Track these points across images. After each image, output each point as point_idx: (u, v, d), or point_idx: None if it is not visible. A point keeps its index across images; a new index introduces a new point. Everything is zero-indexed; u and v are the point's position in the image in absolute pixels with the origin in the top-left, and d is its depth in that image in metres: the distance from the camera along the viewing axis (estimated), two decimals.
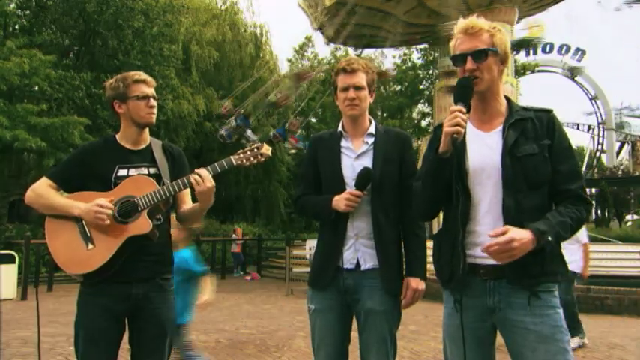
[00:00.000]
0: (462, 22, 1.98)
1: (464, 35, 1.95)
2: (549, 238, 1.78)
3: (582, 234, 6.19)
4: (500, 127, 1.97)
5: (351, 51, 27.31)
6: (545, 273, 1.89)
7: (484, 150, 1.95)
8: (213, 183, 2.34)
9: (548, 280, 1.91)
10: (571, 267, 5.69)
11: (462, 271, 1.92)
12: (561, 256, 1.96)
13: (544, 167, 1.91)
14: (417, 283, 2.40)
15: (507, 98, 2.05)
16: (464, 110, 1.86)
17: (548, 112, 2.00)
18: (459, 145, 1.87)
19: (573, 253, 6.02)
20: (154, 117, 2.48)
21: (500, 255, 1.76)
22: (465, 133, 1.90)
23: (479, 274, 1.92)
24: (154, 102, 2.46)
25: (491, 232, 1.78)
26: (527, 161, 1.89)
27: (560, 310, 1.91)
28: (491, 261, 1.88)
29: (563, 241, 1.88)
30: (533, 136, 1.93)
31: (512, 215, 1.86)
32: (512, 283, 1.88)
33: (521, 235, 1.75)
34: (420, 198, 2.06)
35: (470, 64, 1.92)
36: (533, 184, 1.89)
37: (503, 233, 1.75)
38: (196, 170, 2.35)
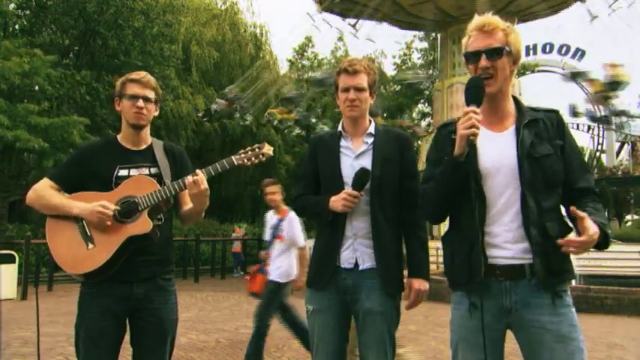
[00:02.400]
0: (477, 19, 1.94)
1: (478, 32, 1.92)
2: (608, 231, 1.79)
3: (299, 237, 5.10)
4: (512, 128, 1.95)
5: (350, 50, 27.28)
6: (567, 271, 1.90)
7: (498, 150, 1.93)
8: (206, 186, 2.32)
9: (568, 278, 1.92)
10: (276, 276, 4.95)
11: (483, 273, 1.88)
12: (567, 253, 1.94)
13: (559, 167, 1.91)
14: (420, 284, 2.41)
15: (515, 98, 2.03)
16: (477, 111, 1.83)
17: (556, 112, 1.99)
18: (474, 147, 1.85)
19: (285, 259, 5.04)
20: (142, 118, 2.43)
21: (581, 248, 1.73)
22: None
23: (495, 274, 1.90)
24: (141, 103, 2.41)
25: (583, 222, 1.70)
26: (544, 162, 1.89)
27: (574, 309, 1.91)
28: (507, 261, 1.88)
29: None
30: (546, 137, 1.92)
31: (534, 216, 1.86)
32: (541, 284, 1.85)
33: (596, 229, 1.73)
34: (432, 200, 2.03)
35: (484, 62, 1.89)
36: (550, 184, 1.89)
37: (583, 220, 1.70)
38: (195, 171, 2.34)
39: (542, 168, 1.88)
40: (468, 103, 1.87)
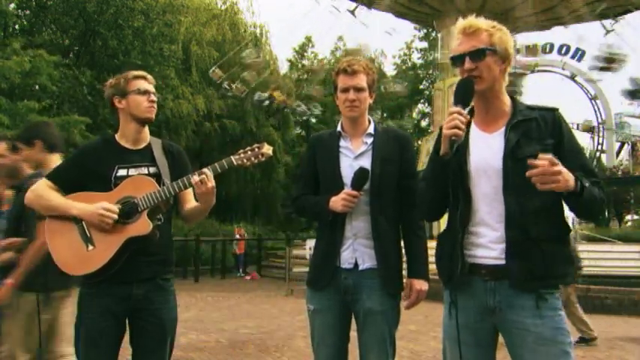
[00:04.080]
0: (460, 22, 1.95)
1: (462, 35, 1.93)
2: (586, 184, 1.74)
3: None
4: (503, 128, 1.94)
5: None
6: (551, 276, 1.87)
7: (486, 151, 1.93)
8: (213, 184, 2.33)
9: (554, 283, 1.90)
10: None
11: (460, 272, 1.91)
12: (568, 256, 1.94)
13: None
14: (420, 285, 2.41)
15: (512, 97, 2.01)
16: (463, 112, 1.83)
17: (554, 111, 1.97)
18: (458, 148, 1.85)
19: None
20: (154, 112, 2.46)
21: (544, 178, 1.67)
22: (467, 134, 1.89)
23: (480, 274, 1.91)
24: (154, 97, 2.45)
25: (535, 160, 1.68)
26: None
27: (562, 312, 1.90)
28: (492, 261, 1.88)
29: (594, 204, 1.80)
30: (537, 137, 1.89)
31: (515, 217, 1.85)
32: (515, 287, 1.85)
33: (566, 169, 1.70)
34: (423, 198, 2.06)
35: (468, 64, 1.89)
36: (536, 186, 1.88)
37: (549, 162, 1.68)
38: (202, 170, 2.34)
39: (527, 169, 1.84)
40: (455, 103, 1.87)
